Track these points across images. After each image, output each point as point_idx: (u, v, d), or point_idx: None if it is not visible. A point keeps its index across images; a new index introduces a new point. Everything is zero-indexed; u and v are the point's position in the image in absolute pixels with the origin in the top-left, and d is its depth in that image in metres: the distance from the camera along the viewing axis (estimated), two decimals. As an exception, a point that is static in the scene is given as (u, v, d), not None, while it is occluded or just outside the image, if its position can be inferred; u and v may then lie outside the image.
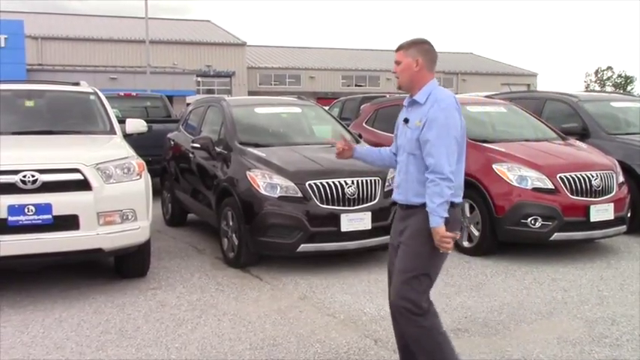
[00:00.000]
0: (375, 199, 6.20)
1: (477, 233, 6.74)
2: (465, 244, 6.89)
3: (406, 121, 3.37)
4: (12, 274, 5.86)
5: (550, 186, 6.49)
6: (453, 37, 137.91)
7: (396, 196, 3.45)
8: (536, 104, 9.64)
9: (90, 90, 7.15)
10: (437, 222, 3.16)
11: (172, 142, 8.70)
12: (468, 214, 6.87)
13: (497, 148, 7.01)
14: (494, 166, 6.71)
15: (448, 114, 3.23)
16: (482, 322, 4.78)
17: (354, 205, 6.07)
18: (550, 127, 8.14)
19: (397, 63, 3.39)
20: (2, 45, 33.92)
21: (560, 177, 6.53)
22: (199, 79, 45.47)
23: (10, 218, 4.89)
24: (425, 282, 3.29)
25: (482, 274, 6.09)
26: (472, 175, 6.82)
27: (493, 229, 6.59)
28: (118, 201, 5.31)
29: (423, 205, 3.22)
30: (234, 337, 4.46)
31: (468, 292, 5.53)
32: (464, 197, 6.82)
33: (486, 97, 10.16)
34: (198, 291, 5.55)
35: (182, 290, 5.57)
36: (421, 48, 3.37)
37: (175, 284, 5.75)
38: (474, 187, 6.78)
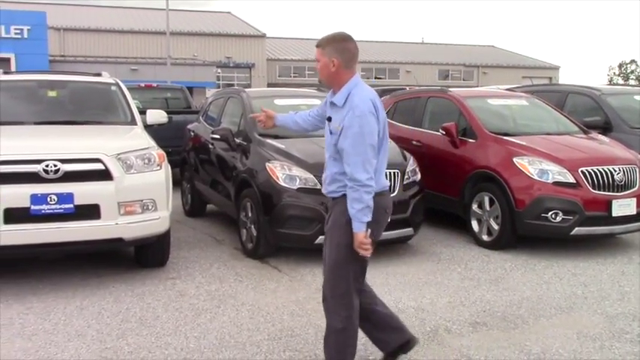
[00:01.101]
0: (394, 191, 6.18)
1: (496, 227, 6.70)
2: (485, 237, 6.86)
3: (329, 119, 3.36)
4: (35, 263, 5.94)
5: (571, 180, 6.43)
6: (474, 29, 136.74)
7: (323, 189, 3.52)
8: (559, 97, 9.55)
9: (111, 81, 7.20)
10: (358, 227, 3.19)
11: (192, 133, 8.74)
12: (487, 207, 6.82)
13: (518, 141, 6.95)
14: (514, 159, 6.65)
15: (362, 121, 3.16)
16: (501, 316, 4.75)
17: (372, 198, 6.05)
18: (572, 121, 8.05)
19: (317, 60, 3.37)
20: (25, 36, 34.32)
21: (581, 171, 6.46)
22: (219, 70, 45.59)
23: (32, 207, 4.95)
24: (345, 274, 3.35)
25: (502, 268, 6.06)
26: (492, 168, 6.79)
27: (513, 223, 6.54)
28: (138, 191, 5.35)
29: (342, 196, 3.30)
30: (252, 328, 4.49)
31: (487, 285, 5.51)
32: (483, 190, 6.84)
33: (507, 90, 10.07)
34: (217, 281, 5.59)
35: (201, 280, 5.61)
36: (338, 47, 3.29)
37: (194, 274, 5.79)
38: (493, 181, 6.74)
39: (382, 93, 13.04)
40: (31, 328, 4.44)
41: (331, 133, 3.31)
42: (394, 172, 6.25)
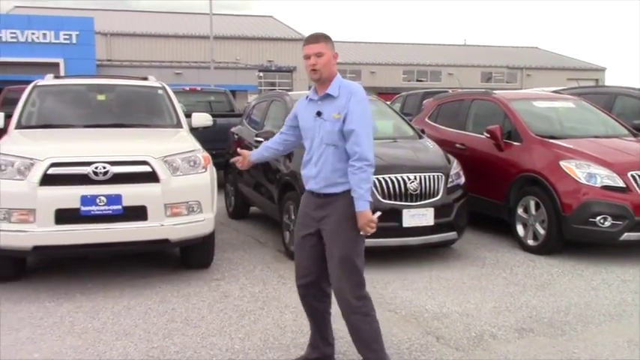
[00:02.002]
0: (437, 195, 6.15)
1: (542, 232, 6.59)
2: (530, 242, 6.75)
3: (319, 114, 3.47)
4: (84, 263, 6.08)
5: (621, 184, 6.27)
6: (517, 30, 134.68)
7: (312, 186, 3.57)
8: (607, 100, 9.34)
9: (158, 84, 7.33)
10: (364, 206, 3.35)
11: (236, 136, 8.83)
12: (533, 211, 6.71)
13: (564, 144, 6.82)
14: (561, 162, 6.53)
15: (365, 105, 3.42)
16: (548, 322, 4.67)
17: (416, 201, 6.03)
18: (621, 123, 7.86)
19: (318, 55, 3.45)
20: (74, 41, 35.18)
21: (631, 175, 6.30)
22: (261, 74, 45.96)
23: (82, 208, 5.07)
24: (360, 264, 3.51)
25: (548, 274, 5.95)
26: (538, 171, 6.68)
27: (559, 228, 6.41)
28: (184, 193, 5.43)
29: (343, 192, 3.42)
30: (296, 330, 4.51)
31: (533, 291, 5.42)
32: (529, 194, 6.75)
33: (553, 92, 9.89)
34: (261, 283, 5.63)
35: (245, 282, 5.66)
36: (333, 42, 3.52)
37: (238, 276, 5.85)
38: (539, 185, 6.63)
39: (425, 95, 12.98)
40: (81, 327, 4.55)
41: (326, 121, 3.44)
42: (437, 176, 6.21)
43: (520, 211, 6.90)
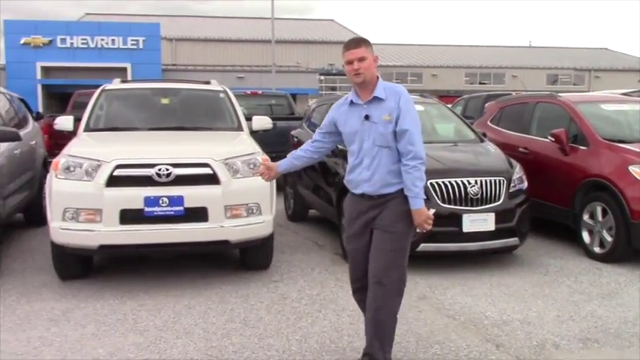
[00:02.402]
0: (499, 199, 6.02)
1: (609, 239, 6.36)
2: (596, 249, 6.52)
3: (367, 117, 3.50)
4: (147, 262, 6.24)
5: (694, 190, 5.99)
6: (586, 31, 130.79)
7: (366, 189, 3.57)
8: (680, 102, 8.93)
9: (220, 88, 7.46)
10: (420, 204, 3.45)
11: (296, 139, 8.89)
12: (600, 218, 6.49)
13: (634, 148, 6.56)
14: (630, 167, 6.29)
15: (412, 104, 3.52)
16: (615, 333, 4.50)
17: (476, 206, 5.93)
18: (695, 127, 7.50)
19: (361, 59, 3.47)
20: (140, 47, 36.25)
21: None
22: (322, 77, 46.13)
23: (146, 209, 5.21)
24: (407, 257, 3.62)
25: (615, 283, 5.74)
26: (605, 177, 6.46)
27: (628, 235, 6.17)
28: (244, 195, 5.50)
29: (397, 192, 3.49)
30: (352, 333, 4.49)
31: (599, 300, 5.23)
32: (595, 200, 6.53)
33: (623, 94, 9.54)
34: (319, 286, 5.64)
35: (303, 284, 5.68)
36: (372, 46, 3.54)
37: (296, 278, 5.88)
38: (607, 190, 6.41)
39: (487, 98, 12.75)
40: (143, 324, 4.66)
41: (376, 123, 3.48)
42: (499, 180, 6.08)
43: (586, 217, 6.68)
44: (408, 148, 3.42)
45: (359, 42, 3.53)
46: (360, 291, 3.78)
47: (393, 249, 3.53)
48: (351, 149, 3.64)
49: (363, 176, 3.56)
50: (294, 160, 3.96)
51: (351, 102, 3.60)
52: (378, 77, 3.55)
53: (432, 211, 3.55)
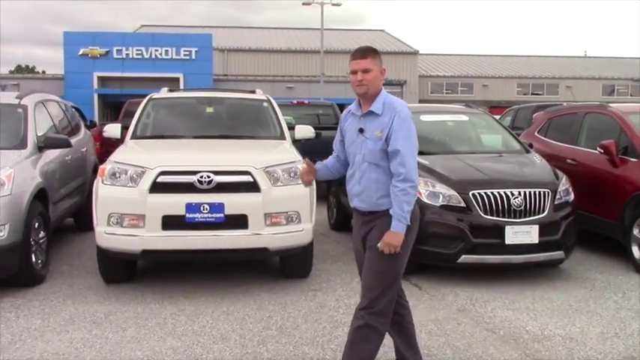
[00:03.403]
0: (543, 211, 5.89)
1: (660, 253, 6.14)
2: (646, 264, 6.31)
3: (361, 131, 3.40)
4: (189, 267, 6.34)
5: None
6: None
7: (357, 204, 3.50)
8: None
9: (264, 97, 7.54)
10: (402, 228, 3.29)
11: (339, 149, 8.88)
12: (649, 232, 6.28)
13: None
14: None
15: (410, 125, 3.33)
16: (662, 351, 4.34)
17: (520, 217, 5.81)
18: None
19: (366, 71, 3.34)
20: (193, 57, 37.06)
21: None
22: (371, 87, 46.06)
23: (187, 215, 5.30)
24: (398, 280, 3.47)
25: (665, 300, 5.53)
26: (656, 189, 6.24)
27: (680, 251, 5.95)
28: (283, 203, 5.54)
29: (386, 210, 3.34)
30: (387, 344, 4.39)
31: (647, 317, 5.05)
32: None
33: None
34: (357, 295, 5.55)
35: (341, 293, 5.67)
36: (380, 58, 3.41)
37: (335, 287, 5.87)
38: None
39: (536, 109, 12.51)
40: (182, 329, 4.73)
41: (368, 139, 3.37)
42: (544, 192, 5.96)
43: (636, 231, 6.46)
44: (399, 170, 3.28)
45: (366, 52, 3.40)
46: None
47: (381, 271, 3.38)
48: (349, 159, 3.57)
49: (355, 190, 3.49)
50: (325, 169, 3.82)
51: (351, 112, 3.53)
52: (381, 91, 3.41)
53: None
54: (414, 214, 3.40)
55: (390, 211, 3.31)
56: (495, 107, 38.07)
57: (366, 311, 3.40)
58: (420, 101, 47.39)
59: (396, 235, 3.30)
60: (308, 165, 3.70)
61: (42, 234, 6.08)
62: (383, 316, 3.42)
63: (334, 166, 3.79)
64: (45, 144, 6.59)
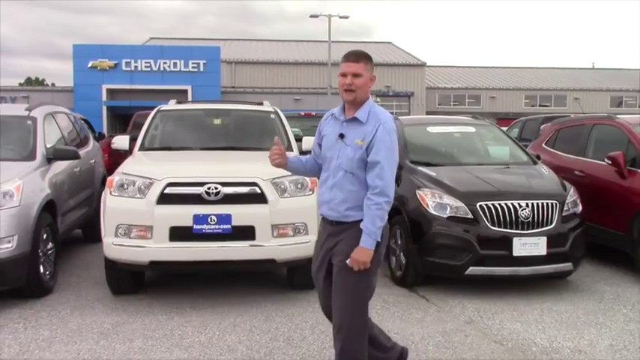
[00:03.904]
0: (551, 223, 5.87)
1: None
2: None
3: (342, 136, 3.28)
4: (195, 279, 6.34)
5: None
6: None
7: (326, 212, 3.36)
8: None
9: (271, 109, 7.57)
10: (371, 244, 3.18)
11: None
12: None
13: None
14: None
15: (393, 137, 3.24)
16: (672, 364, 4.30)
17: (528, 229, 5.79)
18: None
19: (356, 75, 3.24)
20: (201, 70, 37.21)
21: None
22: (378, 99, 46.19)
23: (195, 226, 5.31)
24: (369, 295, 3.36)
25: (675, 312, 5.49)
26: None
27: (690, 263, 5.90)
28: (291, 214, 5.54)
29: (355, 222, 3.23)
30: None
31: (658, 330, 5.01)
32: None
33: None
34: (365, 307, 5.59)
35: (348, 305, 5.65)
36: (372, 64, 3.33)
37: (342, 299, 5.85)
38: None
39: (544, 120, 12.49)
40: (189, 340, 4.73)
41: (348, 146, 3.27)
42: (552, 203, 5.94)
43: (644, 243, 6.43)
44: (376, 182, 3.18)
45: (359, 56, 3.30)
46: (328, 317, 3.58)
47: (352, 288, 3.25)
48: (323, 164, 3.45)
49: (325, 197, 3.36)
50: (302, 163, 3.66)
51: (334, 115, 3.41)
52: (368, 98, 3.33)
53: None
54: (384, 231, 3.28)
55: (361, 225, 3.21)
56: (503, 119, 38.05)
57: (342, 334, 3.29)
58: (428, 113, 47.43)
59: (365, 252, 3.19)
60: (278, 144, 3.51)
61: (50, 245, 6.10)
62: (360, 335, 3.32)
63: (309, 162, 3.64)
64: (54, 155, 6.63)
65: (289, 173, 5.68)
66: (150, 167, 5.89)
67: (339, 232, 3.33)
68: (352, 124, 3.31)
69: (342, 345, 3.29)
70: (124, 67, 36.80)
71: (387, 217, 3.24)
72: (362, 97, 3.29)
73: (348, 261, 3.22)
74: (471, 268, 5.77)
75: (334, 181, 3.31)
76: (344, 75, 3.27)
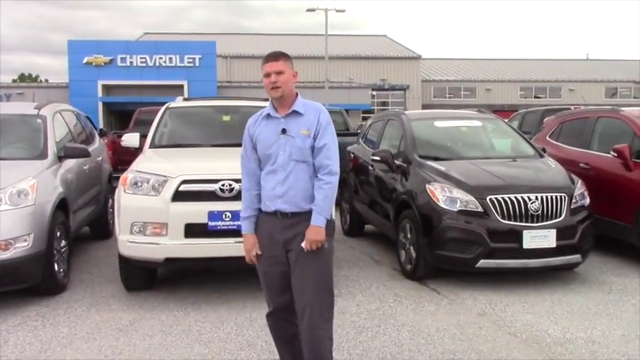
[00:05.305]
0: (560, 216, 5.95)
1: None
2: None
3: (284, 131, 3.41)
4: (208, 274, 6.39)
5: None
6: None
7: (280, 206, 3.41)
8: None
9: (278, 105, 7.58)
10: (322, 222, 3.34)
11: (352, 155, 8.97)
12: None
13: None
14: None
15: (331, 123, 3.49)
16: (684, 353, 4.38)
17: (537, 222, 5.87)
18: None
19: (279, 73, 3.40)
20: (197, 64, 37.19)
21: None
22: (374, 92, 46.24)
23: (209, 223, 5.36)
24: (332, 274, 3.54)
25: (683, 302, 5.57)
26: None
27: (696, 254, 5.98)
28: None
29: (311, 210, 3.36)
30: (413, 349, 4.51)
31: (667, 320, 5.10)
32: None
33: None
34: (377, 301, 5.67)
35: (361, 299, 5.72)
36: (292, 61, 3.52)
37: (355, 293, 5.92)
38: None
39: (545, 113, 12.55)
40: (207, 336, 4.79)
41: (294, 137, 3.39)
42: (561, 196, 6.01)
43: (651, 234, 6.51)
44: (325, 162, 3.38)
45: (278, 56, 3.47)
46: (273, 314, 3.62)
47: (318, 272, 3.39)
48: (266, 164, 3.47)
49: (278, 192, 3.40)
50: (254, 207, 3.54)
51: (268, 115, 3.49)
52: (297, 94, 3.49)
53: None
54: (334, 210, 3.50)
55: (312, 205, 3.36)
56: (499, 111, 38.08)
57: (317, 325, 3.38)
58: (423, 106, 47.53)
59: (318, 230, 3.33)
60: (249, 254, 3.60)
61: (63, 243, 6.14)
62: (329, 321, 3.47)
63: (257, 196, 3.53)
64: (64, 154, 6.66)
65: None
66: (163, 165, 5.92)
67: (294, 223, 3.41)
68: (292, 118, 3.46)
69: (318, 339, 3.39)
70: (119, 63, 36.75)
71: (335, 194, 3.45)
72: (288, 92, 3.45)
73: (303, 244, 3.33)
74: (481, 261, 5.84)
75: (286, 175, 3.41)
76: (268, 75, 3.43)
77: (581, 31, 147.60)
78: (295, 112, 3.46)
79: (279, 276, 3.51)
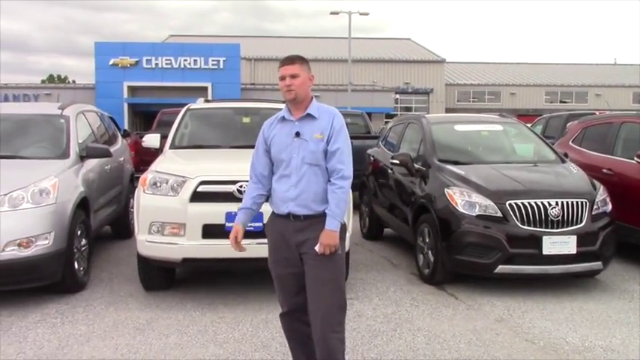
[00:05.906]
0: (581, 222, 5.87)
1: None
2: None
3: (298, 134, 3.42)
4: (225, 275, 6.42)
5: None
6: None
7: (292, 209, 3.42)
8: None
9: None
10: (336, 226, 3.34)
11: (372, 158, 8.95)
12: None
13: None
14: None
15: (345, 127, 3.49)
16: None
17: (557, 228, 5.80)
18: None
19: (294, 76, 3.41)
20: (221, 67, 37.46)
21: None
22: (397, 96, 46.11)
23: (227, 224, 5.37)
24: (344, 278, 3.55)
25: None
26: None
27: None
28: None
29: (324, 212, 3.37)
30: (428, 354, 4.48)
31: (689, 329, 5.00)
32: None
33: None
34: (394, 305, 5.65)
35: (378, 302, 5.70)
36: (308, 65, 3.52)
37: (371, 296, 5.90)
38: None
39: (569, 118, 12.40)
40: (223, 336, 4.81)
41: (307, 141, 3.41)
42: (582, 202, 5.94)
43: (675, 242, 6.40)
44: (338, 167, 3.38)
45: (293, 59, 3.49)
46: (287, 315, 3.65)
47: (331, 275, 3.39)
48: (279, 167, 3.51)
49: (290, 194, 3.42)
50: (252, 210, 3.72)
51: (283, 118, 3.52)
52: (312, 97, 3.49)
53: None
54: (347, 214, 3.49)
55: (326, 210, 3.36)
56: (523, 115, 37.77)
57: (330, 328, 3.37)
58: (447, 110, 47.30)
59: (332, 234, 3.33)
60: (234, 237, 3.71)
61: (84, 242, 6.21)
62: (342, 324, 3.46)
63: (261, 199, 3.68)
64: (87, 154, 6.74)
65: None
66: (182, 165, 5.97)
67: (307, 226, 3.42)
68: (306, 121, 3.47)
69: (330, 337, 3.38)
70: (144, 65, 37.15)
71: (349, 198, 3.47)
72: (302, 95, 3.46)
73: (316, 247, 3.33)
74: (500, 266, 5.79)
75: (299, 178, 3.42)
76: (283, 78, 3.45)
77: (609, 35, 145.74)
78: (309, 116, 3.47)
79: (292, 277, 3.52)
